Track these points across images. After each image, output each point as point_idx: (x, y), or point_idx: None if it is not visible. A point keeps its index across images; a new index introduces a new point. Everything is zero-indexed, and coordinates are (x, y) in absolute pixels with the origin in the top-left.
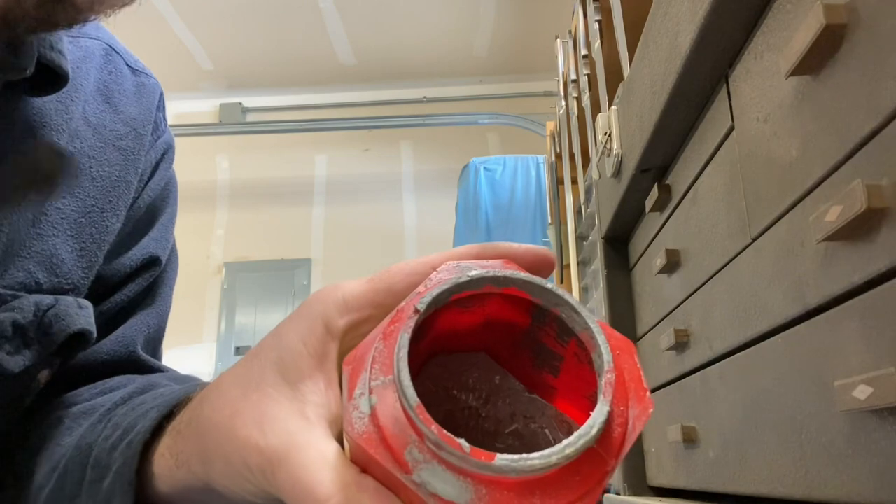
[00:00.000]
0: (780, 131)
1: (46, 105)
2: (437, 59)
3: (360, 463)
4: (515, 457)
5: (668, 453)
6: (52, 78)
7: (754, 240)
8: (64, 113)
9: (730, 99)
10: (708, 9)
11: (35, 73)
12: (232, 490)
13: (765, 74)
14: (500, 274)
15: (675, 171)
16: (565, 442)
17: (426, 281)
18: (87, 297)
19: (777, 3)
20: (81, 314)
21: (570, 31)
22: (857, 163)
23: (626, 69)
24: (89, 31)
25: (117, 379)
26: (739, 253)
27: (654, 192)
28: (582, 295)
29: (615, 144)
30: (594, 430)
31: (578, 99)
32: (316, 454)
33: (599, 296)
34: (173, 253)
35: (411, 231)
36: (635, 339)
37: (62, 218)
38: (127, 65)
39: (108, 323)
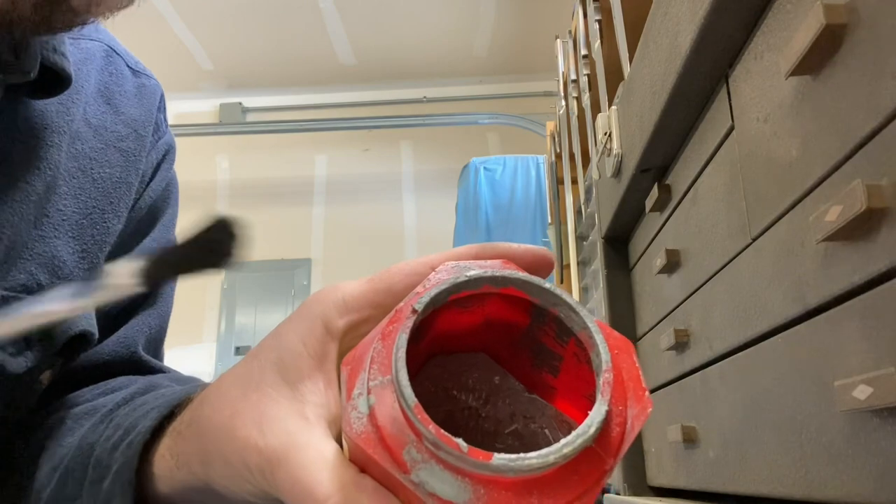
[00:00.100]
0: (780, 131)
1: (48, 107)
2: (436, 59)
3: (359, 463)
4: (513, 456)
5: (668, 453)
6: (54, 80)
7: (754, 240)
8: (65, 115)
9: (730, 99)
10: (708, 9)
11: (38, 75)
12: (232, 490)
13: (765, 74)
14: (498, 274)
15: (675, 171)
16: (563, 441)
17: (425, 281)
18: None
19: (777, 3)
20: (83, 316)
21: (570, 31)
22: (857, 163)
23: (626, 69)
24: (89, 32)
25: (119, 379)
26: (739, 253)
27: (654, 192)
28: (582, 295)
29: (615, 144)
30: (592, 430)
31: (578, 99)
32: (315, 454)
33: (599, 296)
34: None
35: (411, 231)
36: (635, 339)
37: (63, 219)
38: (128, 66)
39: (109, 324)
